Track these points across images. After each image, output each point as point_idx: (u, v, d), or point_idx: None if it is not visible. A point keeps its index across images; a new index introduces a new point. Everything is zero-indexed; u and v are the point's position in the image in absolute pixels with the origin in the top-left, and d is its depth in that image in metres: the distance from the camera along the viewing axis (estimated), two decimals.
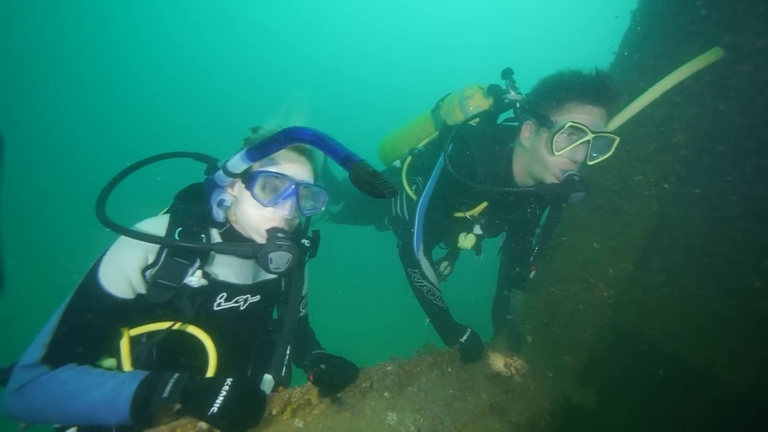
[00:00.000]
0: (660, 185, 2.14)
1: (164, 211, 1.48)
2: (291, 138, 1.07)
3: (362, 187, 0.89)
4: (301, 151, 1.36)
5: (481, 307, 3.41)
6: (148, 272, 1.26)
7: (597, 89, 1.61)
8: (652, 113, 2.07)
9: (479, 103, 2.19)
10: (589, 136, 1.62)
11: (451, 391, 1.71)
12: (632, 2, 2.27)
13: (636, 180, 2.23)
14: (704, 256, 2.18)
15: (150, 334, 1.31)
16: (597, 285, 2.33)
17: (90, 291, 1.21)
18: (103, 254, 1.28)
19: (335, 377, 1.39)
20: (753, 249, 2.03)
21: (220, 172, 1.30)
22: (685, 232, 2.23)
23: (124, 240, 1.26)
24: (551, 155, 1.69)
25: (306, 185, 1.33)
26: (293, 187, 1.29)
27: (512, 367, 2.07)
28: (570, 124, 1.61)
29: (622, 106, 1.80)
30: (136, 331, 1.29)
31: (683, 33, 1.92)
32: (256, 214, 1.30)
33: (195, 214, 1.37)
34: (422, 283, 2.11)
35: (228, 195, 1.34)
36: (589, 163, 1.70)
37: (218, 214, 1.36)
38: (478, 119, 2.11)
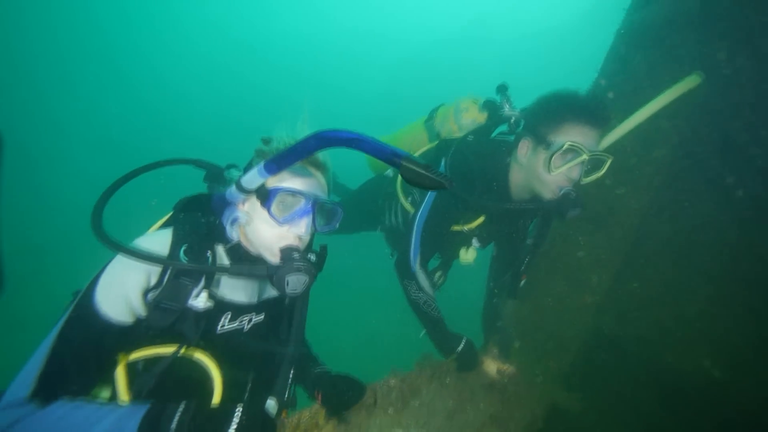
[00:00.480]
0: (640, 198, 2.27)
1: (163, 221, 1.40)
2: (323, 141, 0.96)
3: (417, 181, 0.84)
4: (317, 165, 1.32)
5: (462, 310, 3.48)
6: (149, 294, 1.19)
7: (594, 112, 1.69)
8: (633, 128, 2.19)
9: (474, 116, 2.23)
10: (585, 156, 1.69)
11: (451, 403, 1.74)
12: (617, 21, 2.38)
13: (618, 193, 2.35)
14: (679, 265, 2.33)
15: (149, 361, 1.24)
16: (581, 292, 2.44)
17: (85, 316, 1.12)
18: (99, 274, 1.19)
19: (344, 397, 1.38)
20: (725, 258, 2.19)
21: (233, 188, 1.24)
22: (661, 243, 2.37)
23: (123, 258, 1.16)
24: (548, 173, 1.76)
25: (322, 202, 1.29)
26: (311, 204, 1.25)
27: (505, 375, 2.13)
28: (568, 145, 1.67)
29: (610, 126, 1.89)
30: (132, 357, 1.22)
31: (665, 56, 2.03)
32: (270, 232, 1.24)
33: (199, 229, 1.30)
34: (418, 294, 2.12)
35: (241, 212, 1.28)
36: (583, 180, 1.78)
37: (232, 234, 1.30)
38: (472, 134, 2.15)
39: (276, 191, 1.21)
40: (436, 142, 2.32)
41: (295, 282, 1.19)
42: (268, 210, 1.21)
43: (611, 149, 1.95)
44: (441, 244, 2.24)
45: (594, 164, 1.78)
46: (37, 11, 18.72)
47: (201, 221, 1.33)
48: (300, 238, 1.27)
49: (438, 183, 0.83)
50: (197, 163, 1.56)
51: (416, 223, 2.11)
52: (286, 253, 1.23)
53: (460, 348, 2.02)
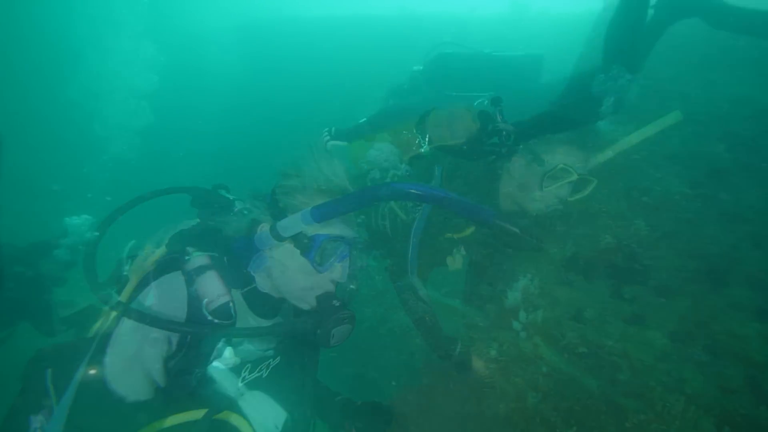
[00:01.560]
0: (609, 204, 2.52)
1: (154, 259, 1.23)
2: (394, 194, 0.94)
3: (509, 241, 0.89)
4: None
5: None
6: (171, 362, 1.07)
7: (587, 138, 1.82)
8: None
9: (468, 124, 2.26)
10: (574, 177, 1.83)
11: (458, 407, 1.85)
12: None
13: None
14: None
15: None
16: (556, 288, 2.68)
17: (96, 398, 0.96)
18: (105, 342, 1.02)
19: (378, 428, 1.39)
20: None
21: (266, 233, 1.13)
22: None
23: (135, 323, 1.00)
24: (540, 189, 1.88)
25: (358, 242, 1.24)
26: (348, 248, 1.19)
27: (493, 369, 2.30)
28: (562, 165, 1.79)
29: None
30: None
31: None
32: (305, 281, 1.16)
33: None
34: (415, 302, 2.16)
35: (272, 260, 1.17)
36: (569, 199, 1.94)
37: (264, 285, 1.20)
38: (467, 144, 2.18)
39: (319, 239, 1.12)
40: (429, 148, 2.32)
41: (340, 334, 1.13)
42: (310, 258, 1.13)
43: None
44: (434, 251, 2.29)
45: (580, 184, 1.94)
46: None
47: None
48: (334, 282, 1.21)
49: (535, 245, 0.87)
50: (190, 191, 1.40)
51: (413, 232, 2.12)
52: (325, 302, 1.16)
53: (457, 351, 2.12)
